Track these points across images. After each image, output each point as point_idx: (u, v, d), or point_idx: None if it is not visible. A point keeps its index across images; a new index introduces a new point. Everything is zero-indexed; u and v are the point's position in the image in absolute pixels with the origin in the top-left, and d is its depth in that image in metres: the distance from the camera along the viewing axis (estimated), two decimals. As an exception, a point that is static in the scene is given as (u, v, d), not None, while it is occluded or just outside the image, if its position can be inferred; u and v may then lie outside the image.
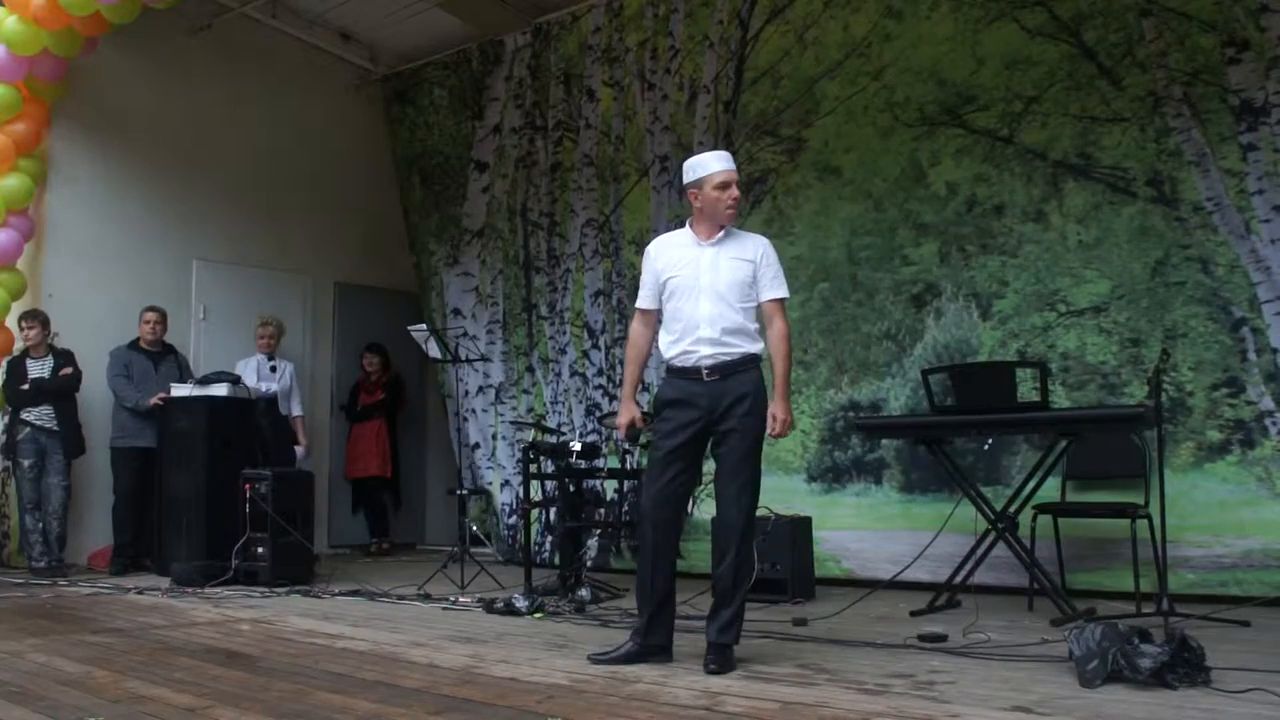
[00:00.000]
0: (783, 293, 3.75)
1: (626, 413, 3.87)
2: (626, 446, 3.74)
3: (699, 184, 3.71)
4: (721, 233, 3.75)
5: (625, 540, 6.80)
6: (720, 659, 3.50)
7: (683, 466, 3.68)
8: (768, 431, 3.64)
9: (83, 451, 6.82)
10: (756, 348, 3.70)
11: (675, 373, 3.74)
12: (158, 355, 7.10)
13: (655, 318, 3.85)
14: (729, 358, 3.64)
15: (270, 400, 7.31)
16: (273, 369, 7.43)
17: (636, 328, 3.90)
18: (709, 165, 3.71)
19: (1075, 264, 5.46)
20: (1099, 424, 4.58)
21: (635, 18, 7.38)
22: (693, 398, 3.65)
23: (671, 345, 3.74)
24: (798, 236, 6.42)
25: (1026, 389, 5.14)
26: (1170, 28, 5.24)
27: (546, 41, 7.91)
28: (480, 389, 7.98)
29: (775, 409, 3.65)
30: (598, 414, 7.06)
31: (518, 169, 8.01)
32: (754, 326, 3.73)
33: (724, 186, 3.68)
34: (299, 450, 7.56)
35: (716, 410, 3.61)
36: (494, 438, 7.86)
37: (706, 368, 3.64)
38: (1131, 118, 5.34)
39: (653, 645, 3.67)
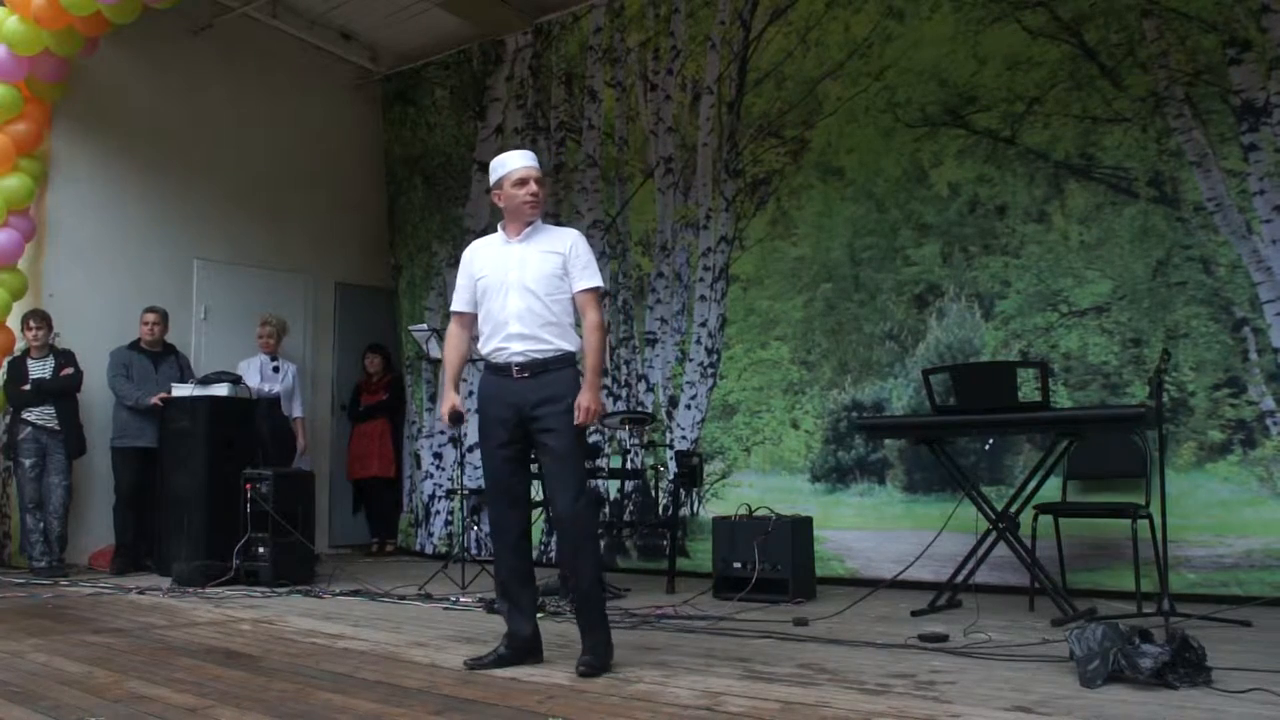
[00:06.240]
0: (594, 283, 3.66)
1: (447, 402, 3.81)
2: (448, 430, 3.78)
3: (499, 183, 3.72)
4: (529, 229, 3.72)
5: (631, 539, 6.81)
6: (588, 662, 3.47)
7: (510, 465, 3.66)
8: (575, 420, 3.55)
9: (84, 451, 6.82)
10: (572, 344, 3.66)
11: (489, 369, 3.73)
12: (158, 355, 7.09)
13: (470, 320, 3.82)
14: (540, 355, 3.59)
15: (273, 401, 7.30)
16: (275, 369, 7.42)
17: (452, 328, 3.88)
18: (507, 164, 3.71)
19: (1077, 264, 5.46)
20: (1099, 424, 4.57)
21: (636, 18, 7.37)
22: (504, 394, 3.63)
23: (484, 343, 3.72)
24: (801, 237, 6.42)
25: (1030, 389, 5.14)
26: (1171, 28, 5.24)
27: (548, 42, 7.91)
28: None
29: (582, 398, 3.56)
30: (601, 414, 7.05)
31: (520, 169, 7.99)
32: (569, 320, 3.67)
33: (522, 183, 3.67)
34: (297, 447, 7.56)
35: (525, 407, 3.57)
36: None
37: (517, 365, 3.60)
38: (1133, 118, 5.34)
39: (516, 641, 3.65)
